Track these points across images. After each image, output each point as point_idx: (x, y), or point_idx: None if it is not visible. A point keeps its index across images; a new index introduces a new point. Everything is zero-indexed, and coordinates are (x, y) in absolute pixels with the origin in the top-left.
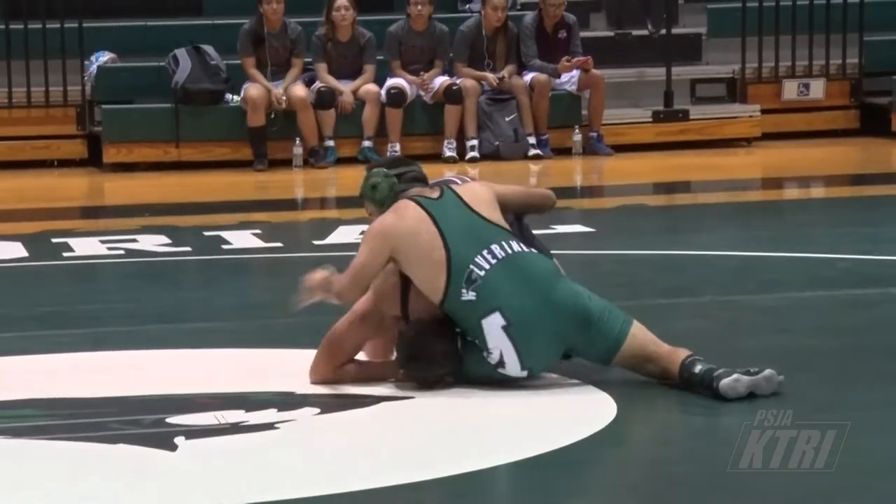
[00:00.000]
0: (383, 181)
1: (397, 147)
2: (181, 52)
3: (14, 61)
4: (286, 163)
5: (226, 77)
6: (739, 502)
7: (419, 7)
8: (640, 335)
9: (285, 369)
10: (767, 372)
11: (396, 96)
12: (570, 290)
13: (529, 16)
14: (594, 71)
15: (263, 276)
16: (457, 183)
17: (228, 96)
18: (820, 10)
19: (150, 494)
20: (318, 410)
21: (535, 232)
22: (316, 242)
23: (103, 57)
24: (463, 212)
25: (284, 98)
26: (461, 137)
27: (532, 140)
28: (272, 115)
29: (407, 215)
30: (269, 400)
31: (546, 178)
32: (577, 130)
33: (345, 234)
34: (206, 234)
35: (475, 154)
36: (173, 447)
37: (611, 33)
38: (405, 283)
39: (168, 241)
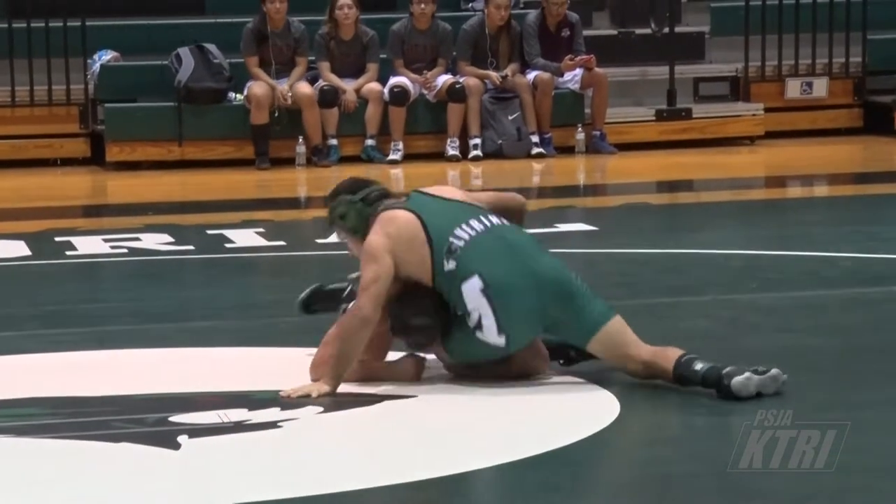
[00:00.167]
0: (350, 209)
1: (400, 145)
2: (184, 51)
3: (17, 60)
4: (289, 161)
5: (229, 76)
6: (744, 501)
7: (422, 5)
8: (620, 328)
9: (288, 368)
10: (774, 371)
11: (399, 95)
12: (553, 261)
13: (532, 14)
14: (597, 69)
15: (266, 274)
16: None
17: (231, 95)
18: (823, 9)
19: (153, 493)
20: (320, 409)
21: (537, 231)
22: (319, 241)
23: (106, 55)
24: (437, 201)
25: (290, 94)
26: (464, 136)
27: (535, 139)
28: (276, 114)
29: (399, 223)
30: (272, 399)
31: (549, 176)
32: (580, 129)
33: None
34: (209, 232)
35: (478, 153)
36: (176, 446)
37: (614, 32)
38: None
39: (171, 239)
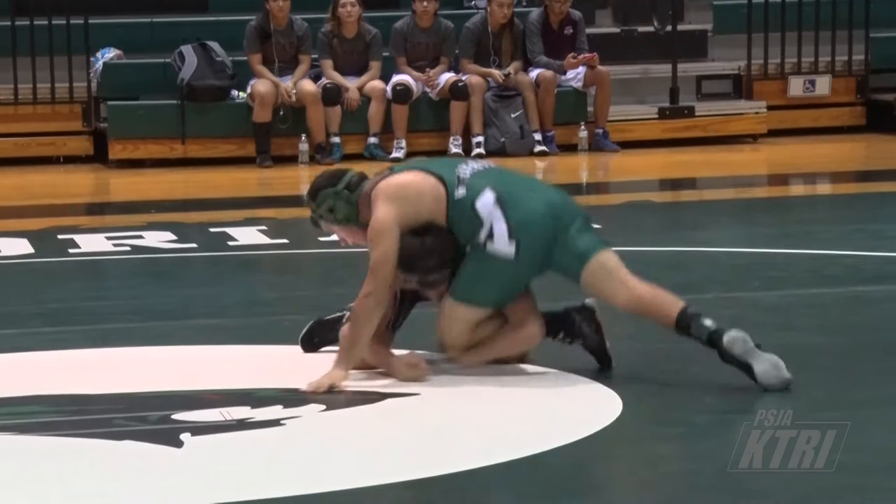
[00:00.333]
0: (336, 200)
1: (403, 143)
2: (187, 49)
3: (20, 58)
4: (292, 159)
5: (232, 73)
6: (744, 501)
7: (425, 3)
8: (616, 261)
9: (291, 366)
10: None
11: (402, 93)
12: (554, 187)
13: (535, 12)
14: (600, 67)
15: (269, 272)
16: None
17: (234, 93)
18: (826, 7)
19: (156, 491)
20: (323, 407)
21: None
22: (322, 239)
23: (109, 53)
24: (427, 160)
25: (294, 92)
26: (467, 134)
27: (538, 136)
28: (281, 112)
29: (401, 182)
30: (275, 396)
31: (552, 174)
32: (582, 127)
33: None
34: (212, 230)
35: (481, 150)
36: (179, 443)
37: (617, 30)
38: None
39: (174, 237)
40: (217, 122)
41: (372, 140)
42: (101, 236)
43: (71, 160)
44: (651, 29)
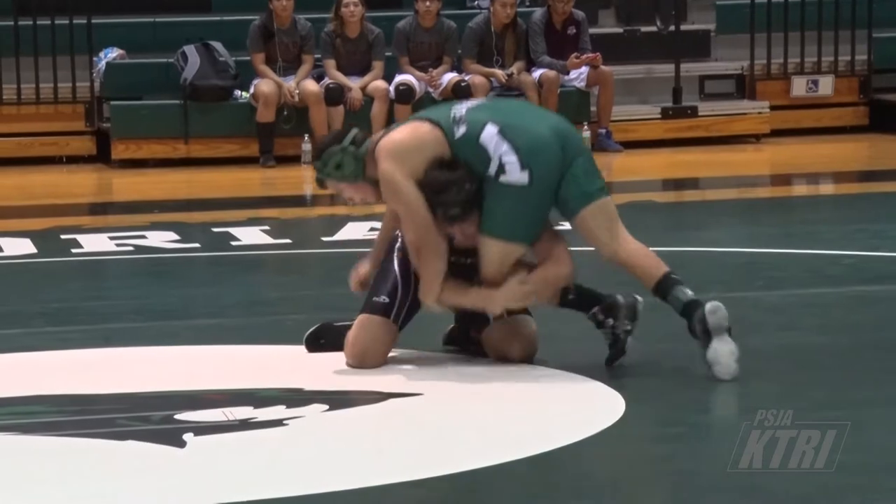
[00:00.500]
0: (344, 156)
1: None
2: (190, 49)
3: (23, 57)
4: (295, 159)
5: (234, 73)
6: (746, 500)
7: (427, 3)
8: (614, 211)
9: (294, 366)
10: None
11: (405, 93)
12: (556, 114)
13: (538, 12)
14: (603, 67)
15: (272, 272)
16: None
17: (237, 93)
18: (829, 6)
19: (159, 491)
20: (326, 407)
21: None
22: (325, 239)
23: (112, 53)
24: (428, 109)
25: (297, 92)
26: None
27: None
28: (284, 112)
29: (398, 139)
30: (278, 396)
31: None
32: (585, 127)
33: (353, 231)
34: (215, 230)
35: None
36: (182, 443)
37: (619, 30)
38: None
39: (177, 237)
40: (220, 122)
41: None
42: (103, 236)
43: (74, 160)
44: (654, 29)
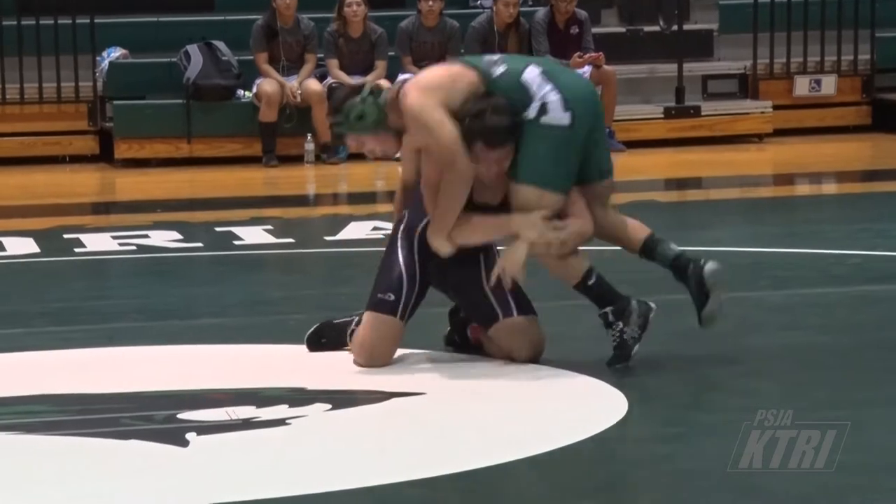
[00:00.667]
0: (365, 106)
1: None
2: (193, 48)
3: (26, 57)
4: (298, 159)
5: (237, 73)
6: (746, 500)
7: (430, 3)
8: (612, 186)
9: (296, 365)
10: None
11: None
12: None
13: (541, 12)
14: (606, 67)
15: (275, 272)
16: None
17: (240, 92)
18: (832, 6)
19: (162, 490)
20: (329, 406)
21: None
22: (328, 238)
23: (115, 53)
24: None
25: (300, 92)
26: None
27: None
28: (287, 111)
29: (430, 77)
30: (281, 396)
31: None
32: None
33: (356, 231)
34: (218, 229)
35: None
36: (184, 443)
37: (622, 29)
38: None
39: (180, 236)
40: (223, 122)
41: None
42: (106, 236)
43: (76, 159)
44: (657, 28)
